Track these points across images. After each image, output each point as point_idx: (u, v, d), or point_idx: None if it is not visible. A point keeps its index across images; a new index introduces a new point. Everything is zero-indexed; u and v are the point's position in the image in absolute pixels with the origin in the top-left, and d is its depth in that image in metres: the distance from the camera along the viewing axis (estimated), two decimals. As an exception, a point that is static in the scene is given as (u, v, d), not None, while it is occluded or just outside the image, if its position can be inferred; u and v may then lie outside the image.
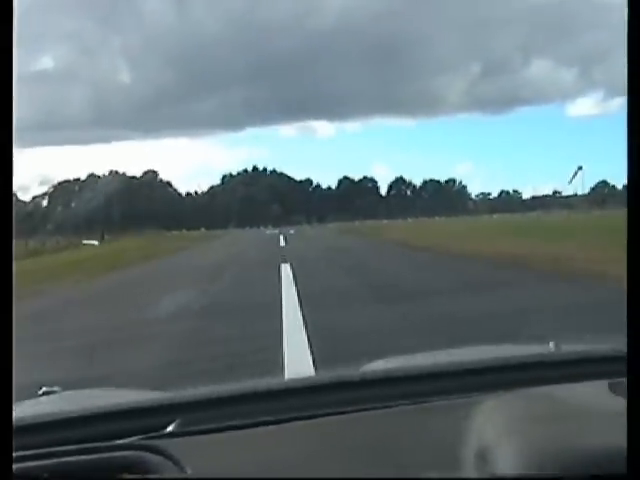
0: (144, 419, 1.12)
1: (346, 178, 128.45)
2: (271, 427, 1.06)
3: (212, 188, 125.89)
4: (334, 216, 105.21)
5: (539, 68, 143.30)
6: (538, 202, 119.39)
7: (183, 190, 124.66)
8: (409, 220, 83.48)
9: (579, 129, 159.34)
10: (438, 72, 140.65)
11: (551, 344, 1.44)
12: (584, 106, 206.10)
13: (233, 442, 1.03)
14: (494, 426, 0.93)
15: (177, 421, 1.08)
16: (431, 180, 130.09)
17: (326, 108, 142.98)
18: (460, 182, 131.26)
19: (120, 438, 1.02)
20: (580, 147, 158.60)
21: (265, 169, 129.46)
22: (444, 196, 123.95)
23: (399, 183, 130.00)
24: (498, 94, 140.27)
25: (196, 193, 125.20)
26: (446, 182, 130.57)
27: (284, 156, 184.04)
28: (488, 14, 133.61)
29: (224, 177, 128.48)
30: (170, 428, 1.07)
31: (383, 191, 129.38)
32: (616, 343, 1.24)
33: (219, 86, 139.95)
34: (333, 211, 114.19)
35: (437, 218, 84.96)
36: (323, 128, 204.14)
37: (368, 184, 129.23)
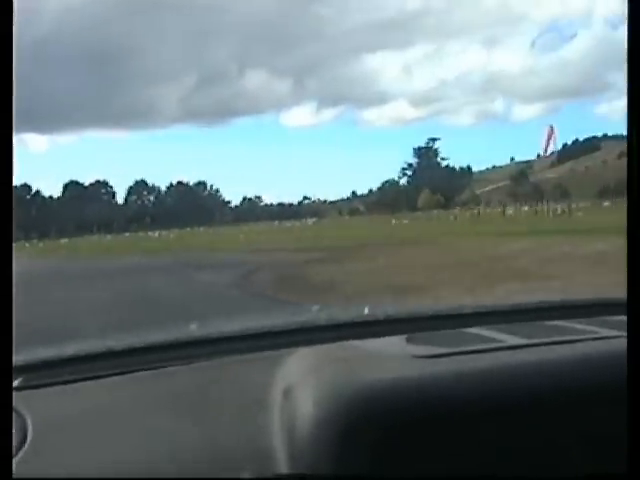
0: None
1: (74, 182, 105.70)
2: (104, 380, 1.13)
3: None
4: (59, 231, 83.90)
5: (254, 79, 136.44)
6: (287, 210, 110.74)
7: None
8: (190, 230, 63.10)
9: (295, 138, 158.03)
10: (153, 83, 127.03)
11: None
12: (298, 117, 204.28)
13: (72, 394, 1.10)
14: (300, 369, 0.99)
15: (20, 378, 1.13)
16: (179, 183, 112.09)
17: (38, 120, 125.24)
18: (212, 186, 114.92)
19: None
20: (297, 156, 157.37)
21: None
22: (193, 202, 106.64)
23: (140, 187, 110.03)
24: (215, 105, 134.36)
25: None
26: (196, 185, 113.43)
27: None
28: (203, 25, 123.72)
29: None
30: (15, 384, 1.11)
31: (120, 198, 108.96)
32: None
33: None
34: (58, 224, 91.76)
35: (201, 229, 66.99)
36: (34, 141, 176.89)
37: (101, 189, 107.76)
